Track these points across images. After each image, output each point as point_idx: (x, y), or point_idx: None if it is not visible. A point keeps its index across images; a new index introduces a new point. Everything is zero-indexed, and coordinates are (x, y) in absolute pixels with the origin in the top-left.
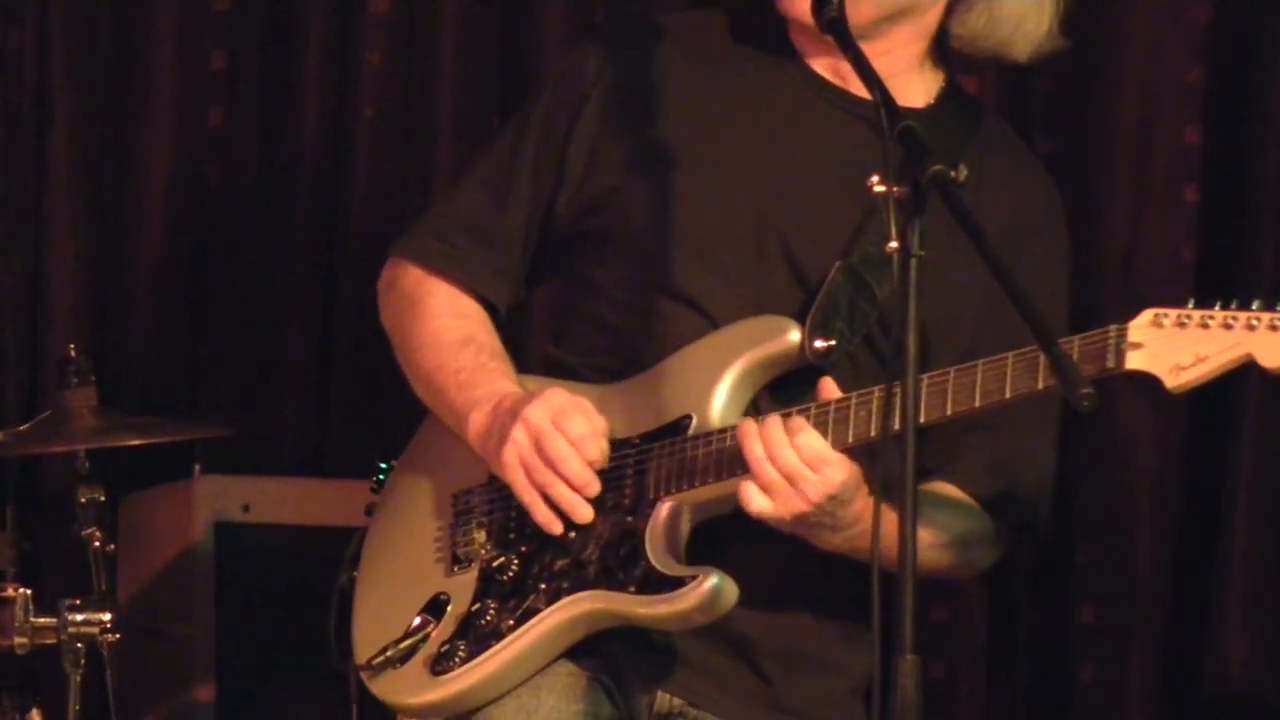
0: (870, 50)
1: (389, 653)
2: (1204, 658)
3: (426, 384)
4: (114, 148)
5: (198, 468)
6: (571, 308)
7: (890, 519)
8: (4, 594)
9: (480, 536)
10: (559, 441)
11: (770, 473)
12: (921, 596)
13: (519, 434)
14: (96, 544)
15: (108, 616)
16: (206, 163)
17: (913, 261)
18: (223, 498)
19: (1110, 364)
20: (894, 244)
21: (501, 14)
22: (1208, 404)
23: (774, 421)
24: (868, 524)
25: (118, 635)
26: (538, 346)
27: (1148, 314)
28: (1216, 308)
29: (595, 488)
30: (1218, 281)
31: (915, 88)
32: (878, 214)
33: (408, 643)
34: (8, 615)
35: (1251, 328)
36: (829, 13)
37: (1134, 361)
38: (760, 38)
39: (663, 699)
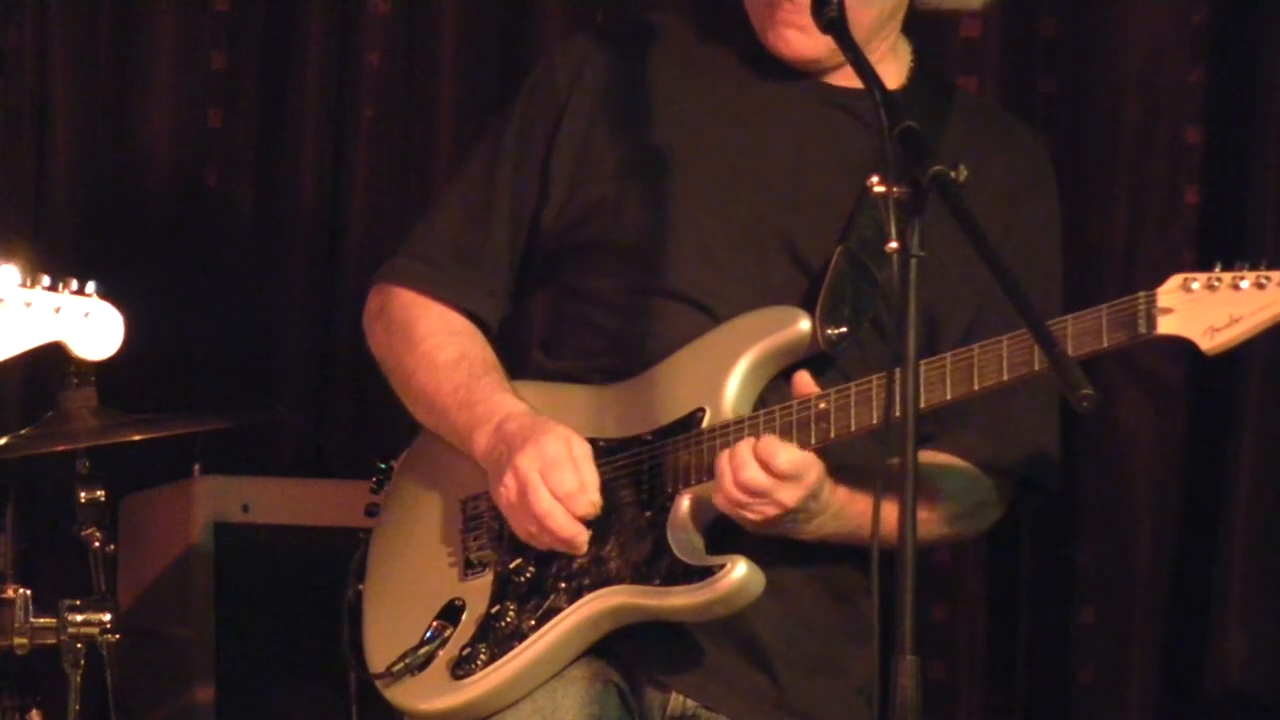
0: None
1: (407, 660)
2: (1204, 658)
3: (427, 407)
4: (114, 148)
5: (198, 468)
6: (563, 316)
7: (886, 506)
8: (4, 594)
9: (493, 541)
10: (543, 496)
11: (736, 494)
12: (921, 596)
13: (509, 480)
14: (96, 544)
15: (107, 617)
16: (206, 163)
17: (913, 262)
18: (223, 498)
19: (1142, 330)
20: (894, 244)
21: (501, 14)
22: (1208, 404)
23: (740, 447)
24: (836, 508)
25: (117, 636)
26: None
27: (1176, 279)
28: (1246, 269)
29: (583, 537)
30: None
31: (889, 70)
32: (870, 199)
33: (426, 649)
34: (8, 615)
35: None
36: (829, 13)
37: (1166, 326)
38: (731, 35)
39: (675, 701)
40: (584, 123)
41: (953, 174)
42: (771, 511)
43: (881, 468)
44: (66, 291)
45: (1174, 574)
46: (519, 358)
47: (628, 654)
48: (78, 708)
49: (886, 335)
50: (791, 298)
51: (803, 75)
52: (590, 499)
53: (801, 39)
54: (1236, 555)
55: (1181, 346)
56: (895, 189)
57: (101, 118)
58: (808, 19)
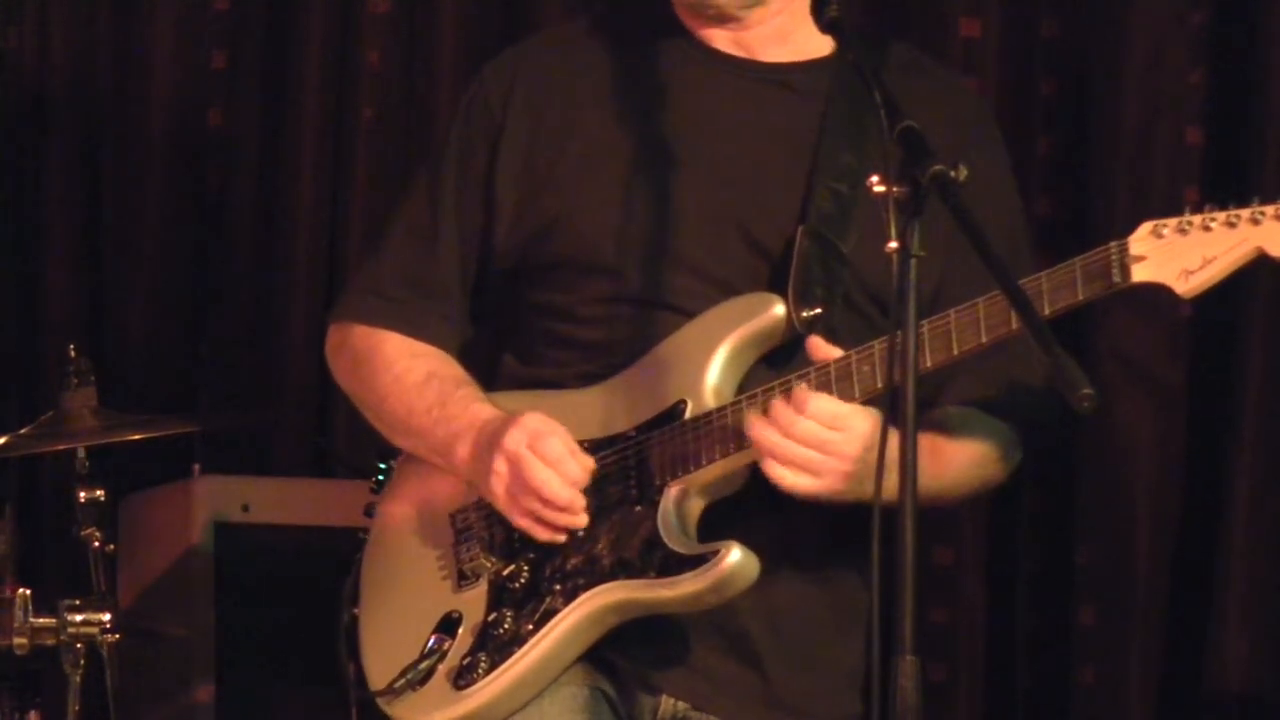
0: (767, 11)
1: (408, 675)
2: (1204, 658)
3: (403, 431)
4: (114, 148)
5: (197, 468)
6: (533, 332)
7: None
8: (4, 594)
9: (485, 550)
10: (537, 466)
11: (795, 450)
12: (921, 597)
13: (499, 464)
14: (96, 544)
15: (107, 617)
16: (206, 162)
17: (913, 262)
18: (223, 498)
19: (1116, 279)
20: (894, 244)
21: (501, 14)
22: (1208, 404)
23: (778, 403)
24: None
25: (117, 636)
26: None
27: (1146, 226)
28: (1216, 209)
29: (580, 504)
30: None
31: (813, 34)
32: (824, 172)
33: (426, 663)
34: (8, 615)
35: (1256, 221)
36: (828, 13)
37: (1140, 274)
38: (654, 29)
39: (666, 705)
40: (524, 138)
41: (952, 174)
42: (841, 467)
43: (886, 427)
44: None
45: (1174, 574)
46: (491, 374)
47: (616, 660)
48: (77, 708)
49: (858, 309)
50: (757, 284)
51: (732, 57)
52: (582, 462)
53: None
54: (1236, 556)
55: (1181, 346)
56: (895, 189)
57: (101, 118)
58: None
